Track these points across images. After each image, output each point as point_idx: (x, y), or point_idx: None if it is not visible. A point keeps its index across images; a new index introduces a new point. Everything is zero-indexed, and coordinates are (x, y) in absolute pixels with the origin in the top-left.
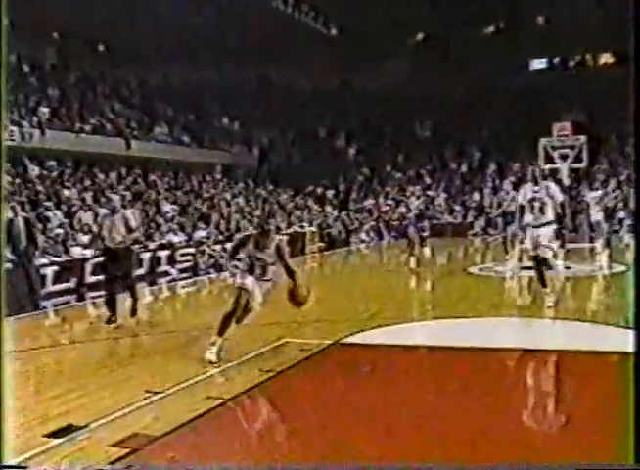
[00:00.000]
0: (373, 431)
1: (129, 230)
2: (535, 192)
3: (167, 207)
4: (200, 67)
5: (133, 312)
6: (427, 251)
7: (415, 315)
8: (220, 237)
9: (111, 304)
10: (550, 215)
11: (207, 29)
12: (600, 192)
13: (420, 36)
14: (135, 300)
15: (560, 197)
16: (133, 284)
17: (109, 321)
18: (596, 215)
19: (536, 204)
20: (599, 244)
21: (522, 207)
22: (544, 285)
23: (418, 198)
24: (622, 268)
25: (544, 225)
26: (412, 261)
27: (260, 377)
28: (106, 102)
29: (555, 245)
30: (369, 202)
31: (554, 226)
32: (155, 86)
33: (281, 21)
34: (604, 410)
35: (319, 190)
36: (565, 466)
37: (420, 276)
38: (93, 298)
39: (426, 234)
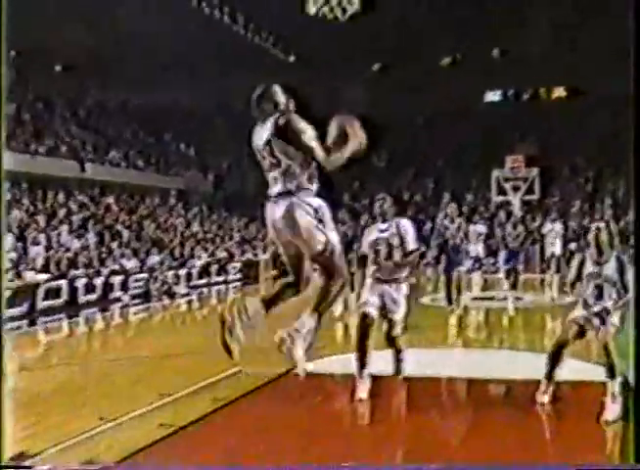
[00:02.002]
0: (322, 458)
1: None
2: (382, 231)
3: (123, 231)
4: (157, 90)
5: None
6: None
7: None
8: (174, 263)
9: None
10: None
11: (165, 52)
12: (558, 224)
13: (377, 66)
14: None
15: (412, 244)
16: None
17: None
18: (552, 247)
19: (381, 248)
20: (550, 275)
21: (363, 256)
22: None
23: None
24: (572, 300)
25: (392, 281)
26: None
27: (213, 406)
28: (62, 123)
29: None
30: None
31: (404, 288)
32: (112, 108)
33: (241, 46)
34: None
35: None
36: (565, 466)
37: None
38: (45, 323)
39: None
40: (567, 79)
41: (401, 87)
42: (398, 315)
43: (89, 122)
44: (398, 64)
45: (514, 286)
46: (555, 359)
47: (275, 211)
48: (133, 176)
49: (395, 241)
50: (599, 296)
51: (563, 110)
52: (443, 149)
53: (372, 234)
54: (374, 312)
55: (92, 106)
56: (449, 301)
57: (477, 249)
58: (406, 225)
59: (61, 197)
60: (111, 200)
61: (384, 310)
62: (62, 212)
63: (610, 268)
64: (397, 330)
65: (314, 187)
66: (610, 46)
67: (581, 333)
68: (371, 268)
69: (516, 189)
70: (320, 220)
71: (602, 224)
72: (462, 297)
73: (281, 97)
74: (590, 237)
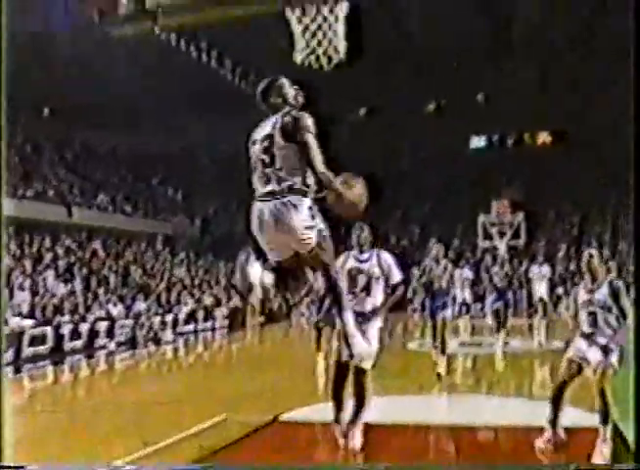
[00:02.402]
0: None
1: None
2: (361, 261)
3: (110, 277)
4: (145, 134)
5: None
6: None
7: None
8: (160, 309)
9: None
10: (378, 297)
11: (153, 96)
12: (545, 268)
13: (363, 111)
14: None
15: (397, 275)
16: None
17: None
18: (540, 291)
19: (361, 279)
20: (538, 319)
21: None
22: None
23: None
24: (561, 345)
25: (368, 316)
26: None
27: (199, 454)
28: (50, 167)
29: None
30: (310, 275)
31: (378, 321)
32: (99, 153)
33: (228, 91)
34: None
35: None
36: (565, 466)
37: None
38: (30, 370)
39: None
40: (551, 124)
41: (387, 133)
42: (371, 349)
43: (77, 167)
44: (384, 109)
45: (502, 327)
46: (557, 403)
47: (264, 212)
48: (120, 221)
49: (376, 272)
50: (593, 323)
51: (548, 154)
52: (429, 194)
53: (348, 262)
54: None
55: (80, 150)
56: (435, 346)
57: (463, 294)
58: (388, 258)
59: (47, 241)
60: (97, 245)
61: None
62: (48, 257)
63: (601, 293)
64: (367, 364)
65: (309, 190)
66: (594, 90)
67: (579, 370)
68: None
69: (502, 234)
70: (312, 218)
71: (594, 250)
72: (448, 343)
73: (289, 90)
74: (583, 264)
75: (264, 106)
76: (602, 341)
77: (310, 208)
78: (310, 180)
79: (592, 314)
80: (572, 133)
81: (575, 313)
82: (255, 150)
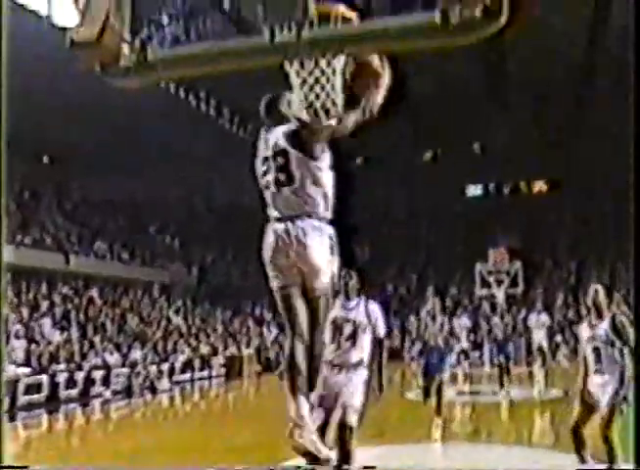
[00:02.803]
0: None
1: None
2: (347, 309)
3: (107, 324)
4: (143, 182)
5: None
6: None
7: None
8: (157, 358)
9: None
10: (364, 348)
11: (151, 145)
12: (543, 316)
13: (359, 160)
14: None
15: (383, 329)
16: None
17: None
18: (539, 339)
19: (347, 328)
20: (537, 367)
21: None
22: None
23: None
24: (559, 393)
25: (352, 368)
26: None
27: None
28: (48, 214)
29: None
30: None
31: (364, 373)
32: (97, 200)
33: (226, 139)
34: None
35: (257, 311)
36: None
37: None
38: (25, 418)
39: None
40: (547, 173)
41: (384, 181)
42: (355, 403)
43: (75, 214)
44: (381, 158)
45: (503, 380)
46: (579, 445)
47: (281, 234)
48: (117, 269)
49: (363, 322)
50: (597, 359)
51: (544, 203)
52: (427, 242)
53: (334, 310)
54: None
55: (78, 197)
56: (426, 395)
57: (461, 343)
58: (376, 309)
59: (44, 289)
60: (94, 292)
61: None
62: (45, 305)
63: (602, 328)
64: (352, 418)
65: (329, 213)
66: (591, 140)
67: (591, 411)
68: (329, 348)
69: (499, 282)
70: (332, 251)
71: (599, 286)
72: (444, 404)
73: (297, 104)
74: (588, 300)
75: (267, 121)
76: (607, 378)
77: (331, 237)
78: (330, 203)
79: (596, 350)
80: (568, 182)
81: (584, 355)
82: (267, 170)
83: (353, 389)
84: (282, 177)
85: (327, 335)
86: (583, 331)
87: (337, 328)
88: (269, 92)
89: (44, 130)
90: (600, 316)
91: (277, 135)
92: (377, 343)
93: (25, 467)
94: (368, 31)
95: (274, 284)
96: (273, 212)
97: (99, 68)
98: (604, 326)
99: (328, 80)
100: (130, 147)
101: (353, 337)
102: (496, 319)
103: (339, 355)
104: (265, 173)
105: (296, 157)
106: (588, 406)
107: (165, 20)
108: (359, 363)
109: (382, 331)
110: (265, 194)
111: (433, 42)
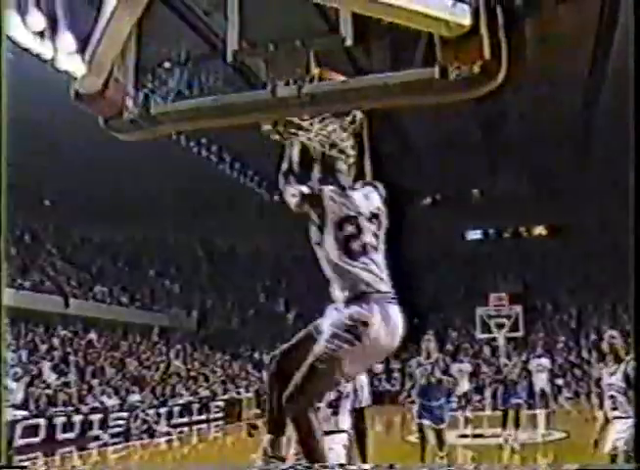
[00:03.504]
0: None
1: None
2: None
3: (105, 368)
4: (143, 227)
5: None
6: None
7: None
8: (155, 401)
9: None
10: (346, 418)
11: (151, 190)
12: (544, 359)
13: None
14: None
15: (368, 399)
16: None
17: None
18: (540, 383)
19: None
20: (539, 411)
21: None
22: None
23: None
24: (562, 435)
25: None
26: None
27: None
28: (48, 258)
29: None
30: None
31: (345, 439)
32: (97, 244)
33: (227, 185)
34: None
35: (256, 355)
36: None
37: None
38: (21, 461)
39: None
40: (546, 218)
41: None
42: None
43: (74, 257)
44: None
45: (516, 425)
46: None
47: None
48: (117, 312)
49: (347, 387)
50: (614, 406)
51: (544, 247)
52: (426, 287)
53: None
54: None
55: (78, 241)
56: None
57: (462, 386)
58: (363, 377)
59: (43, 332)
60: (93, 335)
61: None
62: (43, 348)
63: (615, 377)
64: None
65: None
66: (591, 185)
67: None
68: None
69: (500, 326)
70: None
71: (615, 332)
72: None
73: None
74: (605, 346)
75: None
76: (620, 426)
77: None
78: None
79: (612, 398)
80: (568, 227)
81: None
82: (359, 229)
83: (333, 455)
84: (374, 242)
85: None
86: (604, 377)
87: None
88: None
89: (46, 174)
90: (618, 361)
91: (371, 197)
92: (358, 412)
93: (22, 467)
94: (368, 87)
95: None
96: (382, 286)
97: (102, 120)
98: (618, 375)
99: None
100: (130, 191)
101: (336, 404)
102: (504, 360)
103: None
104: (355, 236)
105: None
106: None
107: (168, 72)
108: (340, 431)
109: (365, 402)
110: (346, 259)
111: (431, 98)
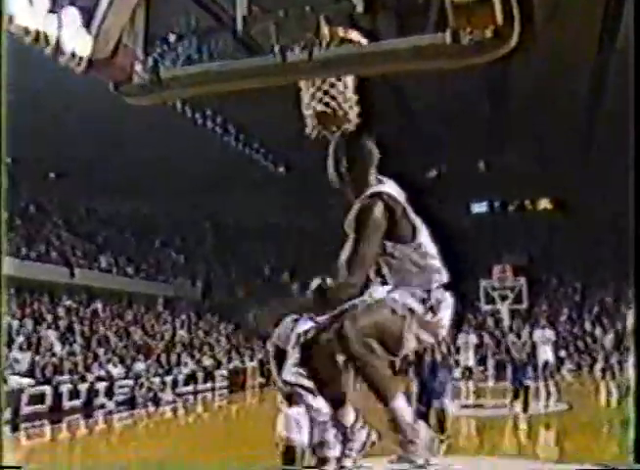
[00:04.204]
0: None
1: None
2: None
3: (110, 337)
4: (148, 199)
5: None
6: None
7: None
8: (160, 370)
9: None
10: None
11: (159, 162)
12: (549, 331)
13: None
14: None
15: None
16: None
17: None
18: (544, 354)
19: None
20: (542, 382)
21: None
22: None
23: None
24: (564, 407)
25: None
26: None
27: None
28: (53, 229)
29: None
30: None
31: None
32: (103, 215)
33: (232, 156)
34: None
35: None
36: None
37: None
38: (27, 428)
39: None
40: (552, 191)
41: None
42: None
43: (80, 229)
44: (385, 175)
45: (524, 403)
46: None
47: None
48: (122, 282)
49: None
50: None
51: (549, 220)
52: None
53: (304, 325)
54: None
55: (84, 212)
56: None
57: (467, 357)
58: None
59: (49, 301)
60: (99, 305)
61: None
62: (49, 317)
63: None
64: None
65: None
66: (597, 159)
67: None
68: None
69: (503, 298)
70: None
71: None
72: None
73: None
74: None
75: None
76: None
77: None
78: None
79: None
80: (573, 200)
81: None
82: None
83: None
84: None
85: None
86: None
87: None
88: (275, 110)
89: (51, 146)
90: None
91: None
92: None
93: (18, 467)
94: (379, 52)
95: None
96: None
97: (113, 85)
98: None
99: (340, 94)
100: (135, 164)
101: None
102: (514, 335)
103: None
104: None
105: None
106: None
107: (177, 39)
108: None
109: None
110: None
111: (443, 63)
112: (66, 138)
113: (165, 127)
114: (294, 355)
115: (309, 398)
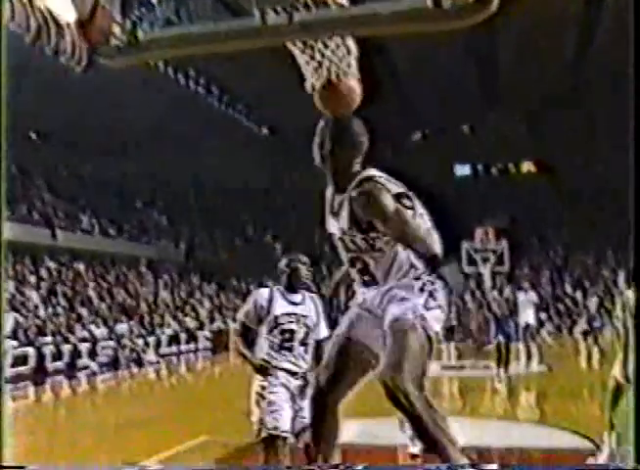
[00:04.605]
0: None
1: None
2: (294, 304)
3: (93, 298)
4: (132, 160)
5: None
6: None
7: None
8: (143, 331)
9: None
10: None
11: (139, 122)
12: (531, 293)
13: None
14: None
15: (325, 330)
16: None
17: None
18: (526, 317)
19: (298, 328)
20: (524, 344)
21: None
22: None
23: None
24: (544, 368)
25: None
26: None
27: None
28: (35, 191)
29: None
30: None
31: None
32: (85, 176)
33: (215, 117)
34: None
35: (244, 286)
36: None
37: None
38: (11, 390)
39: None
40: (535, 154)
41: (372, 160)
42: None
43: (62, 190)
44: (369, 138)
45: (505, 361)
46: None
47: None
48: (104, 244)
49: (313, 320)
50: None
51: (532, 183)
52: None
53: (277, 305)
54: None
55: (66, 174)
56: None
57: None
58: (320, 305)
59: (31, 263)
60: (81, 266)
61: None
62: (32, 279)
63: None
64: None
65: None
66: (580, 122)
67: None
68: (277, 357)
69: (485, 260)
70: None
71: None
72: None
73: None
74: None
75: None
76: None
77: None
78: None
79: None
80: (557, 163)
81: None
82: None
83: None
84: None
85: (273, 338)
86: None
87: (282, 330)
88: (258, 71)
89: (33, 107)
90: None
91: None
92: (316, 346)
93: (22, 467)
94: (360, 15)
95: None
96: None
97: (90, 47)
98: None
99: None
100: (118, 125)
101: (305, 341)
102: (495, 294)
103: (292, 364)
104: None
105: None
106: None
107: (156, 1)
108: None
109: (322, 333)
110: None
111: (424, 26)
112: (49, 99)
113: (148, 88)
114: (269, 338)
115: (291, 379)
